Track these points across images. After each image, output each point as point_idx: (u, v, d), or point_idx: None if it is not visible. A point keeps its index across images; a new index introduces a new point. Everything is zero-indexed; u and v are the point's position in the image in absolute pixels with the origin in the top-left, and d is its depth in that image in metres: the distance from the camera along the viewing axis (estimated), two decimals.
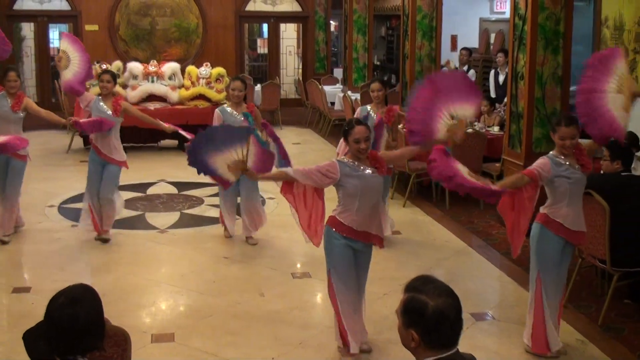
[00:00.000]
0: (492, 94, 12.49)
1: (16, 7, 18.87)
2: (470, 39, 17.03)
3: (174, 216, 9.54)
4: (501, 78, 12.23)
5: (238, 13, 19.49)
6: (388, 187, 8.45)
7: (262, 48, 20.97)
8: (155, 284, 7.36)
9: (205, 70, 14.15)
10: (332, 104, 16.50)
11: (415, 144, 5.56)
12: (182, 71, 14.39)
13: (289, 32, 20.53)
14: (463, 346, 2.79)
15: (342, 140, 7.56)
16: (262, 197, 10.35)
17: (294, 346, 5.95)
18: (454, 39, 17.52)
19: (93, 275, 7.44)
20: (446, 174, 5.21)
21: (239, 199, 8.72)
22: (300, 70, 20.62)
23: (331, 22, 21.37)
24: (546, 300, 5.61)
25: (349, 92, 15.18)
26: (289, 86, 20.36)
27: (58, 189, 10.64)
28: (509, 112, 9.00)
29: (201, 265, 7.81)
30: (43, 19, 19.08)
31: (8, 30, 18.61)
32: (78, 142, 13.90)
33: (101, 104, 8.26)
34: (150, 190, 10.74)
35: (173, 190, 10.84)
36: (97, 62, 14.29)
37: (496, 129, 10.55)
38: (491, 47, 16.85)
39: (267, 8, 19.84)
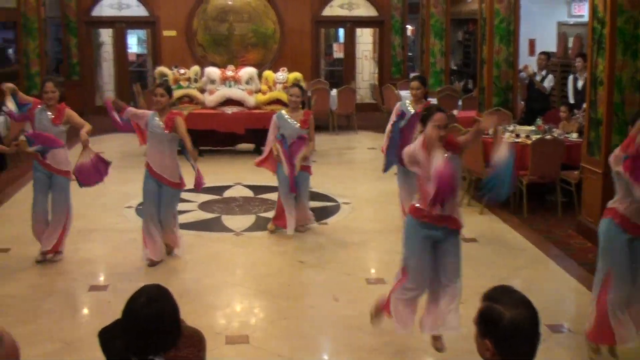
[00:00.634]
0: (571, 100, 12.25)
1: (94, 13, 19.33)
2: (548, 43, 16.73)
3: (249, 219, 9.62)
4: (580, 83, 11.98)
5: (315, 18, 19.58)
6: None
7: (338, 52, 20.99)
8: (230, 285, 7.43)
9: (282, 75, 14.25)
10: None
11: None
12: (259, 76, 14.52)
13: (365, 37, 20.51)
14: (538, 359, 2.74)
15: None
16: (337, 201, 10.42)
17: (367, 352, 5.93)
18: (531, 43, 17.24)
19: (169, 275, 7.53)
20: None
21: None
22: (376, 75, 20.58)
23: (407, 26, 21.28)
24: (615, 294, 5.51)
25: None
26: (364, 91, 20.33)
27: (136, 191, 10.79)
28: (588, 119, 8.79)
29: (276, 269, 7.85)
30: (121, 25, 19.50)
31: (87, 36, 19.12)
32: None
33: (156, 119, 7.77)
34: (227, 193, 10.86)
35: (249, 193, 10.94)
36: (175, 67, 14.55)
37: (575, 135, 10.34)
38: (569, 51, 16.54)
39: (344, 13, 19.87)
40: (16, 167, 12.10)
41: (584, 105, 9.62)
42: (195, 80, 14.44)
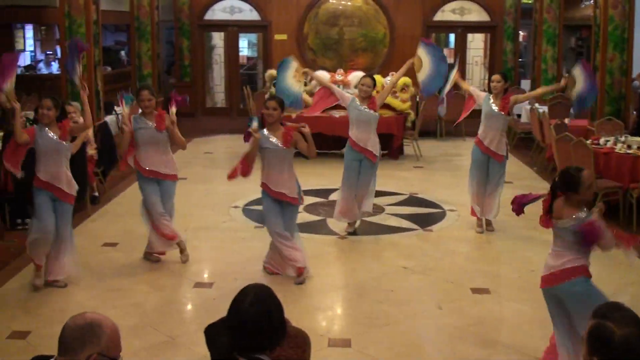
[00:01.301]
0: None
1: (207, 17, 19.70)
2: None
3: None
4: None
5: (426, 23, 19.43)
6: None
7: (448, 58, 20.72)
8: (333, 288, 7.42)
9: (390, 79, 14.15)
10: (519, 116, 16.08)
11: None
12: None
13: (476, 42, 20.22)
14: None
15: None
16: (442, 208, 10.29)
17: None
18: None
19: (273, 276, 7.57)
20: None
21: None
22: (486, 81, 20.25)
23: (519, 32, 20.87)
24: None
25: (537, 105, 14.74)
26: None
27: (243, 191, 10.95)
28: None
29: (380, 273, 7.79)
30: (233, 29, 19.80)
31: (199, 39, 19.52)
32: None
33: (270, 138, 7.49)
34: (333, 196, 10.85)
35: None
36: None
37: None
38: None
39: (455, 18, 19.65)
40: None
41: None
42: (305, 84, 14.50)
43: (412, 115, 14.46)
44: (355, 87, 14.20)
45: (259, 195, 10.46)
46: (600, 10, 11.93)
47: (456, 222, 9.70)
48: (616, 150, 10.02)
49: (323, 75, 13.39)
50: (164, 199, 7.92)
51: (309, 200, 10.29)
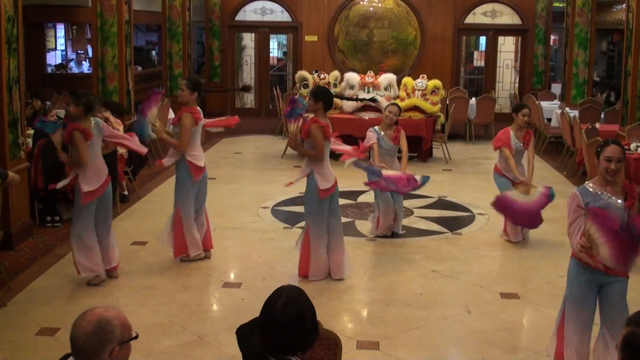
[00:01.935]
0: None
1: (238, 17, 19.76)
2: None
3: None
4: None
5: (457, 26, 19.36)
6: None
7: (478, 61, 20.66)
8: (361, 291, 7.40)
9: (421, 82, 14.15)
10: (549, 120, 15.96)
11: None
12: (398, 82, 14.47)
13: (507, 45, 20.12)
14: None
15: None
16: (471, 211, 10.24)
17: None
18: None
19: (302, 278, 7.56)
20: None
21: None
22: (517, 85, 20.15)
23: (550, 35, 20.74)
24: None
25: (567, 109, 14.63)
26: (504, 100, 19.90)
27: (272, 192, 10.98)
28: None
29: (408, 276, 7.76)
30: (264, 30, 19.85)
31: (230, 40, 19.60)
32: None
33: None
34: (361, 199, 10.84)
35: None
36: (315, 72, 14.71)
37: None
38: None
39: (487, 20, 19.56)
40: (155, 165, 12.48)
41: None
42: (335, 85, 14.53)
43: (442, 118, 14.40)
44: (386, 89, 14.21)
45: (287, 196, 10.56)
46: (632, 15, 11.78)
47: (485, 225, 9.63)
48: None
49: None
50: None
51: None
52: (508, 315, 6.81)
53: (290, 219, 9.68)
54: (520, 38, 19.94)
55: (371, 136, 8.84)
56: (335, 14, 19.07)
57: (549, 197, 8.05)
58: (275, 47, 20.91)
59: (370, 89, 14.27)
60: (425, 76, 14.47)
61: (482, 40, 20.36)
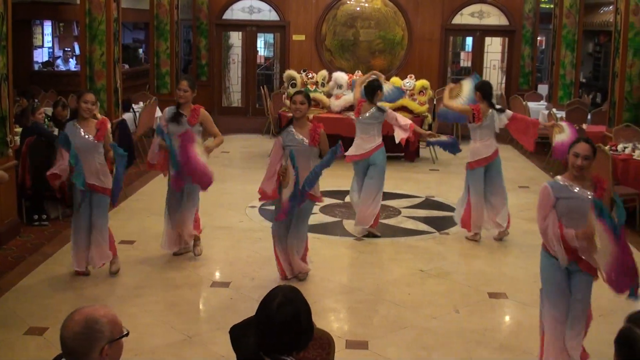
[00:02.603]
0: None
1: (225, 16, 19.72)
2: None
3: None
4: None
5: (444, 26, 19.38)
6: None
7: (465, 61, 20.70)
8: (349, 290, 7.40)
9: (409, 82, 14.18)
10: None
11: None
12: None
13: (494, 46, 20.16)
14: None
15: None
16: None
17: None
18: None
19: (290, 278, 7.56)
20: None
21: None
22: (504, 85, 20.21)
23: (537, 37, 20.80)
24: None
25: (554, 110, 14.68)
26: None
27: None
28: None
29: (396, 276, 7.78)
30: (252, 29, 19.82)
31: (217, 38, 19.56)
32: None
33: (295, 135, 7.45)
34: (349, 198, 10.84)
35: None
36: (303, 71, 14.71)
37: None
38: None
39: (474, 21, 19.59)
40: (143, 164, 12.45)
41: None
42: (322, 85, 14.53)
43: (429, 118, 14.43)
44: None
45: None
46: (621, 17, 11.85)
47: None
48: (634, 157, 9.98)
49: None
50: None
51: (325, 201, 10.27)
52: (496, 314, 6.86)
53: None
54: (507, 39, 19.98)
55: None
56: (323, 14, 19.05)
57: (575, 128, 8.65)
58: (262, 46, 20.87)
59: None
60: (413, 76, 14.50)
61: (469, 40, 20.40)
